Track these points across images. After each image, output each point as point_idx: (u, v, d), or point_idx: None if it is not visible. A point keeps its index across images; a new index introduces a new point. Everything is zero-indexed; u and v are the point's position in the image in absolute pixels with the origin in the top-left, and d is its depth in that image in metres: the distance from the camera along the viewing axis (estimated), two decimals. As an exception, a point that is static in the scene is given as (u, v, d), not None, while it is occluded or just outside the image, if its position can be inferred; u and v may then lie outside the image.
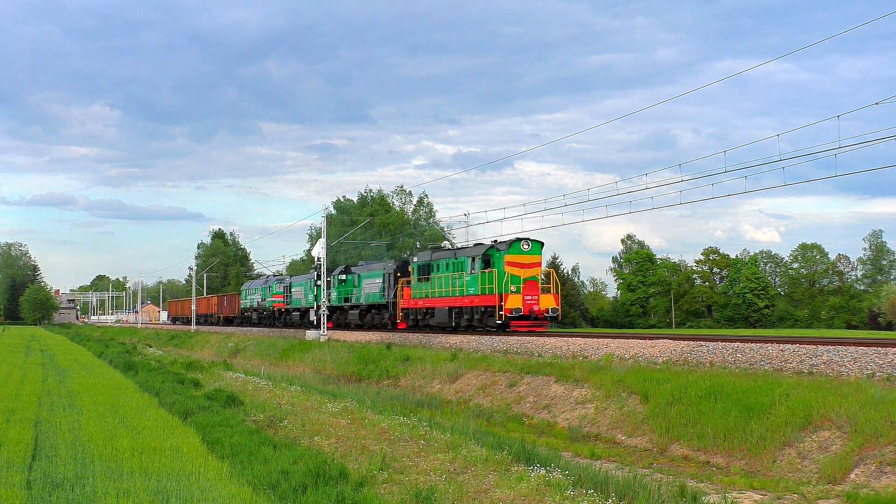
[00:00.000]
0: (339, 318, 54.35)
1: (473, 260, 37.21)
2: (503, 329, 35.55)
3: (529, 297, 35.43)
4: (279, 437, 15.02)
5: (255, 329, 69.11)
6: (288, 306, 64.07)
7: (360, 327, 51.71)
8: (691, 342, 24.00)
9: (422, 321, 42.09)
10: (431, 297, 40.75)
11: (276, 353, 48.02)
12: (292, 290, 63.28)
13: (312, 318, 53.65)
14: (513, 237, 36.73)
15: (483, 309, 36.84)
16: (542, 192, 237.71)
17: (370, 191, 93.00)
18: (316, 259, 53.42)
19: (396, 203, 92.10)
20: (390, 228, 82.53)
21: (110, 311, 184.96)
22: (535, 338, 31.30)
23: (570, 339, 29.29)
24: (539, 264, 36.41)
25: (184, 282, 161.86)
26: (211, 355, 52.34)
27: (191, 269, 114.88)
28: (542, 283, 36.25)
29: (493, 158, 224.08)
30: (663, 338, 26.51)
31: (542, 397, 23.50)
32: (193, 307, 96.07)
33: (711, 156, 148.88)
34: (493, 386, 26.23)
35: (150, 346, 62.69)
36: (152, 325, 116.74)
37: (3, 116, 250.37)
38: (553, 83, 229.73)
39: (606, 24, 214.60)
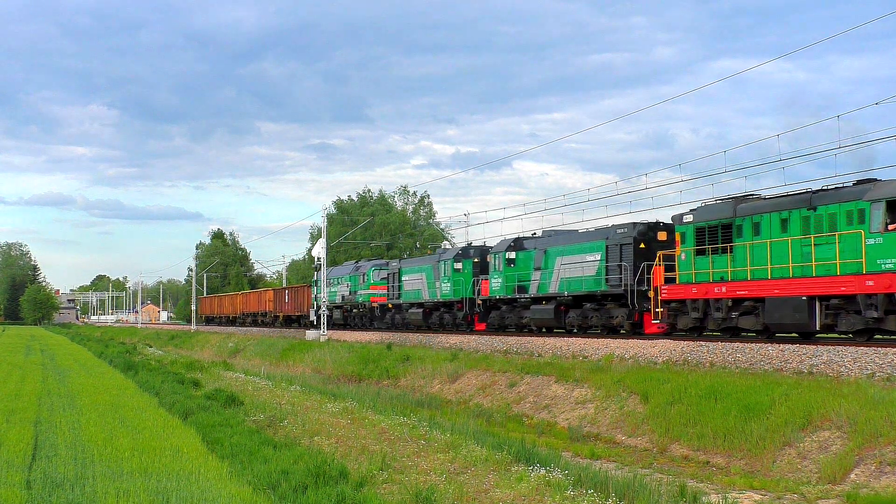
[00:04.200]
0: (503, 315, 36.66)
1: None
2: None
3: None
4: (279, 437, 15.02)
5: (255, 329, 69.03)
6: (396, 301, 47.42)
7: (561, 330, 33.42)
8: (691, 342, 23.99)
9: (723, 321, 24.38)
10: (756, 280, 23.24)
11: (276, 353, 48.03)
12: (402, 278, 46.41)
13: (458, 315, 40.13)
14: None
15: None
16: (541, 192, 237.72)
17: (369, 191, 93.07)
18: (316, 259, 53.43)
19: (399, 203, 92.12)
20: (390, 228, 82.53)
21: (110, 311, 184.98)
22: (534, 338, 31.32)
23: (570, 339, 29.28)
24: None
25: (183, 282, 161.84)
26: (211, 355, 52.34)
27: (190, 269, 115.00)
28: None
29: (492, 158, 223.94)
30: (663, 338, 26.50)
31: (542, 397, 23.50)
32: (193, 307, 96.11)
33: (711, 156, 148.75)
34: (493, 386, 26.23)
35: (150, 346, 62.70)
36: (152, 326, 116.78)
37: (0, 116, 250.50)
38: (551, 83, 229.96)
39: (604, 23, 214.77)
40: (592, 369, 23.19)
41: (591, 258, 30.44)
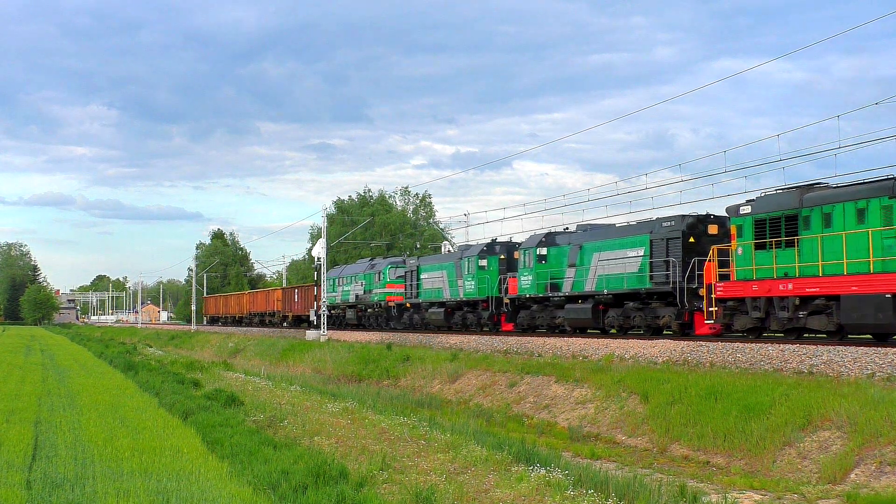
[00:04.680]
0: (534, 315, 34.41)
1: None
2: None
3: None
4: (279, 437, 15.02)
5: (255, 329, 68.96)
6: (415, 300, 44.94)
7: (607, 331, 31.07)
8: (691, 342, 24.00)
9: (789, 321, 22.44)
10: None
11: (276, 353, 48.04)
12: (421, 276, 44.13)
13: (483, 315, 37.84)
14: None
15: None
16: (541, 192, 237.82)
17: (369, 191, 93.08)
18: (316, 259, 53.40)
19: (399, 203, 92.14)
20: (390, 228, 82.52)
21: (110, 312, 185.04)
22: (534, 338, 31.32)
23: (570, 339, 29.29)
24: None
25: (183, 282, 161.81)
26: (211, 355, 52.34)
27: (190, 269, 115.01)
28: None
29: (492, 158, 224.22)
30: (663, 338, 26.50)
31: (543, 397, 23.51)
32: (193, 307, 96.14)
33: (711, 156, 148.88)
34: (494, 386, 26.23)
35: (150, 346, 62.73)
36: (152, 326, 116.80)
37: (0, 116, 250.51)
38: (551, 83, 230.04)
39: (604, 23, 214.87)
40: (592, 369, 23.19)
41: (634, 254, 28.33)
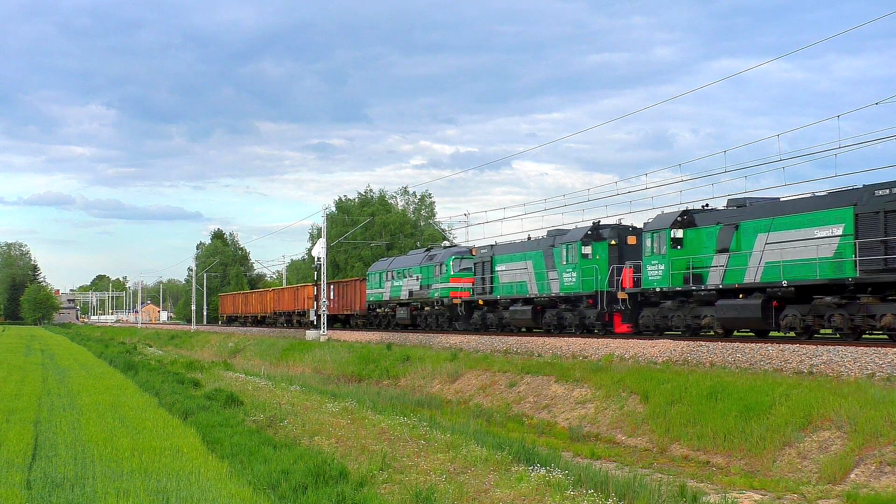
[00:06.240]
0: (666, 314, 27.85)
1: None
2: None
3: None
4: (279, 437, 15.02)
5: (254, 329, 68.90)
6: (489, 297, 38.16)
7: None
8: (691, 342, 24.00)
9: None
10: None
11: (276, 353, 48.04)
12: (496, 268, 37.56)
13: (589, 313, 31.61)
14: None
15: None
16: (541, 192, 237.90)
17: (370, 190, 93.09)
18: (316, 259, 53.45)
19: (400, 203, 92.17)
20: (390, 228, 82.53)
21: (110, 311, 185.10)
22: (534, 338, 31.31)
23: (570, 339, 29.29)
24: None
25: (183, 282, 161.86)
26: (211, 355, 52.36)
27: (190, 269, 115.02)
28: None
29: (491, 158, 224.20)
30: (663, 338, 26.50)
31: (543, 397, 23.51)
32: (193, 307, 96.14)
33: (711, 156, 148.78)
34: (494, 386, 26.24)
35: (150, 346, 62.72)
36: (152, 326, 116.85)
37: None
38: (550, 83, 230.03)
39: (603, 23, 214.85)
40: (592, 369, 23.19)
41: (824, 233, 22.21)
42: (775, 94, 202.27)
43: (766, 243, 23.90)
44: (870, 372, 17.55)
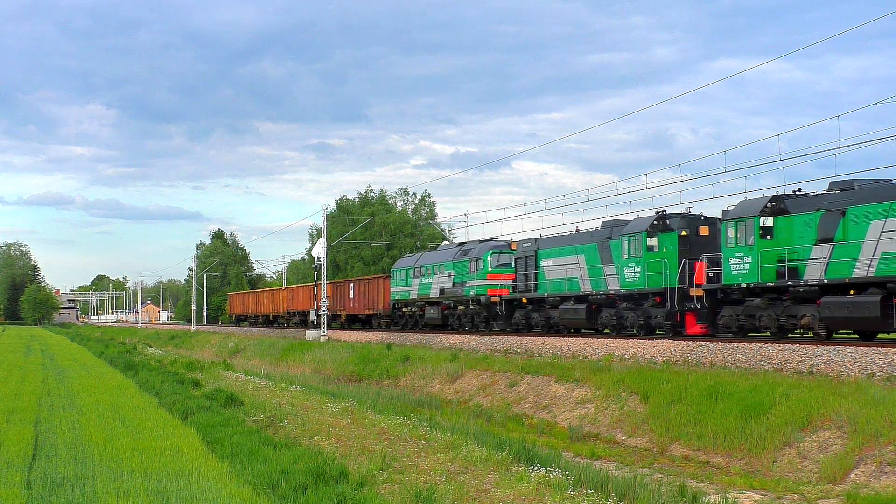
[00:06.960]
0: (753, 313, 24.26)
1: None
2: None
3: None
4: (279, 437, 15.02)
5: (254, 329, 68.87)
6: (533, 294, 34.73)
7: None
8: (691, 342, 24.00)
9: None
10: None
11: (276, 353, 48.03)
12: (541, 263, 34.24)
13: (656, 313, 28.01)
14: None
15: None
16: (541, 192, 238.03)
17: (371, 190, 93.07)
18: (316, 259, 53.45)
19: (400, 203, 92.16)
20: (390, 228, 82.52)
21: (110, 312, 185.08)
22: (534, 338, 31.30)
23: (570, 339, 29.28)
24: None
25: (183, 282, 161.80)
26: (211, 355, 52.35)
27: (190, 269, 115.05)
28: None
29: (491, 158, 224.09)
30: (663, 338, 26.50)
31: (543, 397, 23.51)
32: (193, 307, 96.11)
33: (711, 156, 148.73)
34: (494, 386, 26.24)
35: (150, 346, 62.73)
36: (152, 326, 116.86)
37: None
38: (550, 83, 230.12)
39: (603, 23, 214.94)
40: (592, 369, 23.19)
41: None
42: (775, 94, 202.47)
43: (882, 231, 20.47)
44: (870, 372, 17.55)
